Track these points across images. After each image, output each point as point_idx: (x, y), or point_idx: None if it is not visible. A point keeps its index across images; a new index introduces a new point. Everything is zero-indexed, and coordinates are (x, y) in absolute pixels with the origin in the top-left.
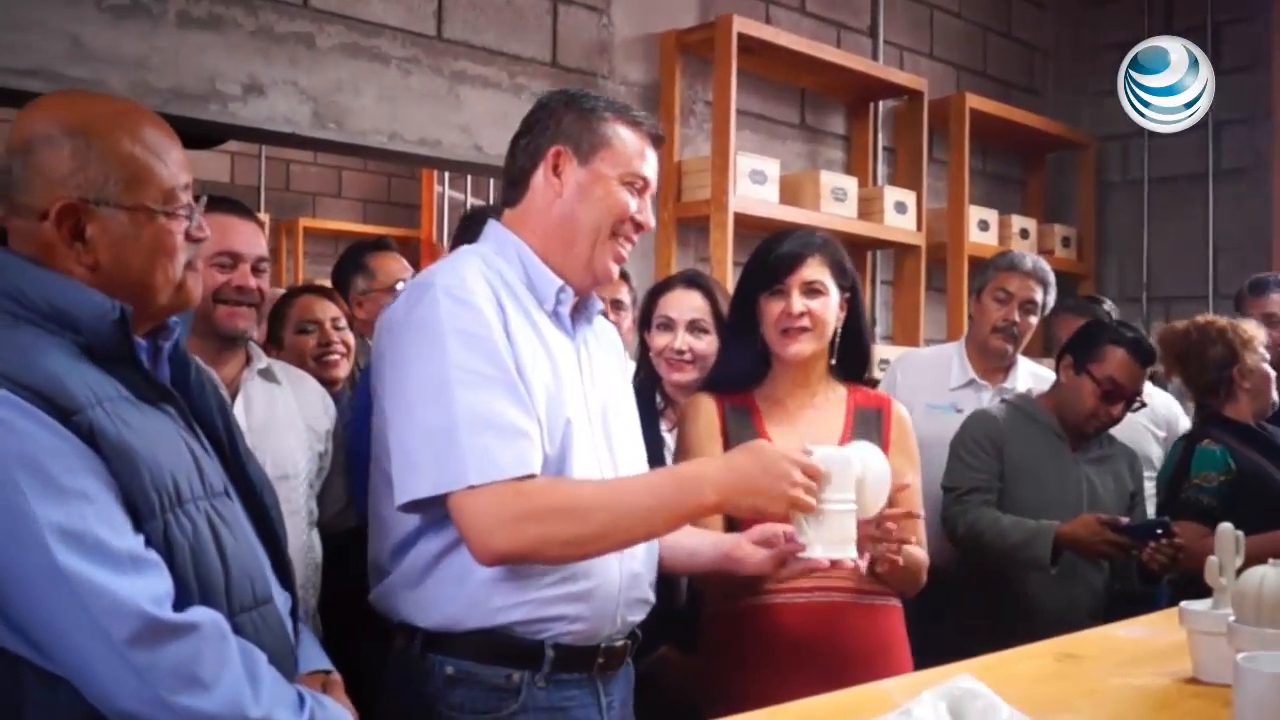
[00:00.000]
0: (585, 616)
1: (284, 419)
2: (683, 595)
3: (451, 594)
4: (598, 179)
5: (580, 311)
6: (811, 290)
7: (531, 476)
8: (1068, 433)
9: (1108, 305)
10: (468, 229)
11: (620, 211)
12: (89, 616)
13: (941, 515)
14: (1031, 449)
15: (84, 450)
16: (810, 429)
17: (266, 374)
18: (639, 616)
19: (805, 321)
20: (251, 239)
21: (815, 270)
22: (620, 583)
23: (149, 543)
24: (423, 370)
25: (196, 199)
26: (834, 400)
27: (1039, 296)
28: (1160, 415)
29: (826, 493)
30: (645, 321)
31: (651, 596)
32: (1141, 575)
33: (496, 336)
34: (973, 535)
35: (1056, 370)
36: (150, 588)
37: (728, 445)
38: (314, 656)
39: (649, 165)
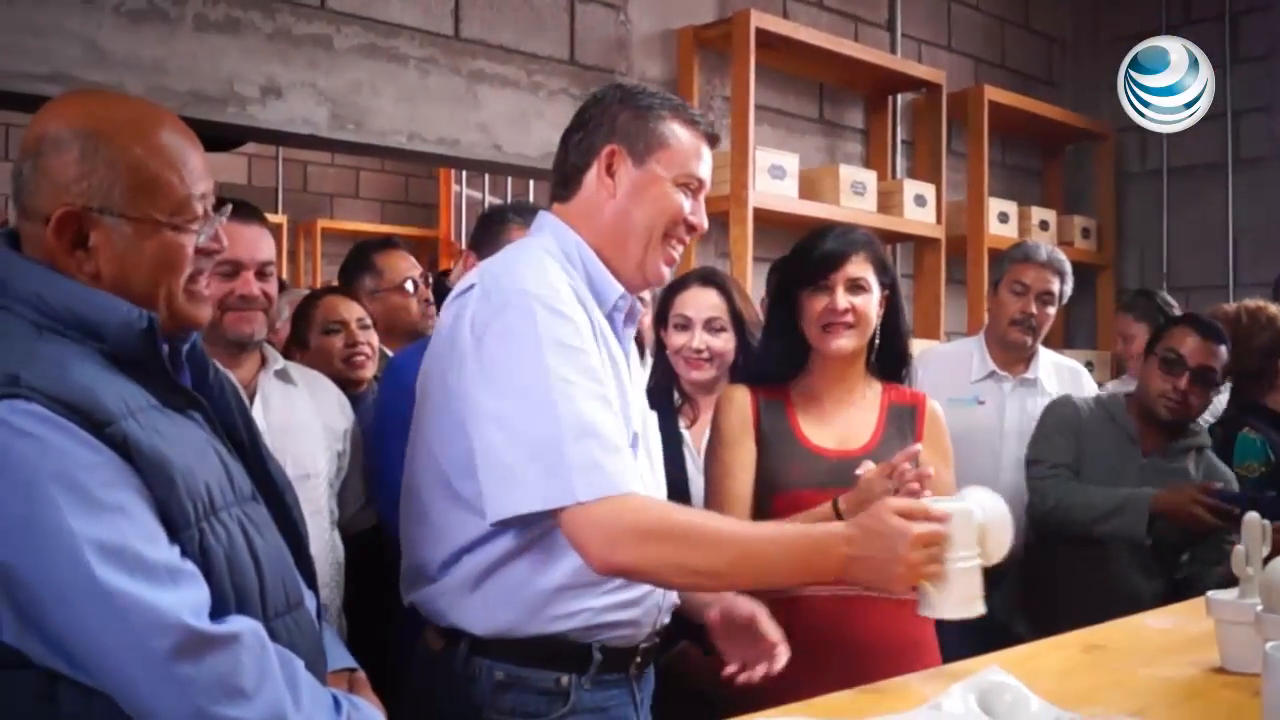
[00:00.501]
0: (634, 621)
1: (302, 419)
2: None
3: (512, 601)
4: (653, 180)
5: (629, 315)
6: (855, 287)
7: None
8: (1148, 431)
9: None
10: (486, 229)
11: (674, 213)
12: (130, 631)
13: (1028, 488)
14: (1100, 446)
15: (119, 463)
16: (845, 426)
17: (283, 375)
18: (668, 618)
19: (849, 318)
20: (254, 245)
21: (859, 267)
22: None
23: (184, 553)
24: (520, 382)
25: (219, 205)
26: (869, 397)
27: (1055, 287)
28: None
29: (950, 551)
30: (662, 319)
31: (677, 598)
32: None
33: (590, 349)
34: (1062, 508)
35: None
36: (189, 599)
37: (760, 439)
38: (339, 655)
39: (704, 165)
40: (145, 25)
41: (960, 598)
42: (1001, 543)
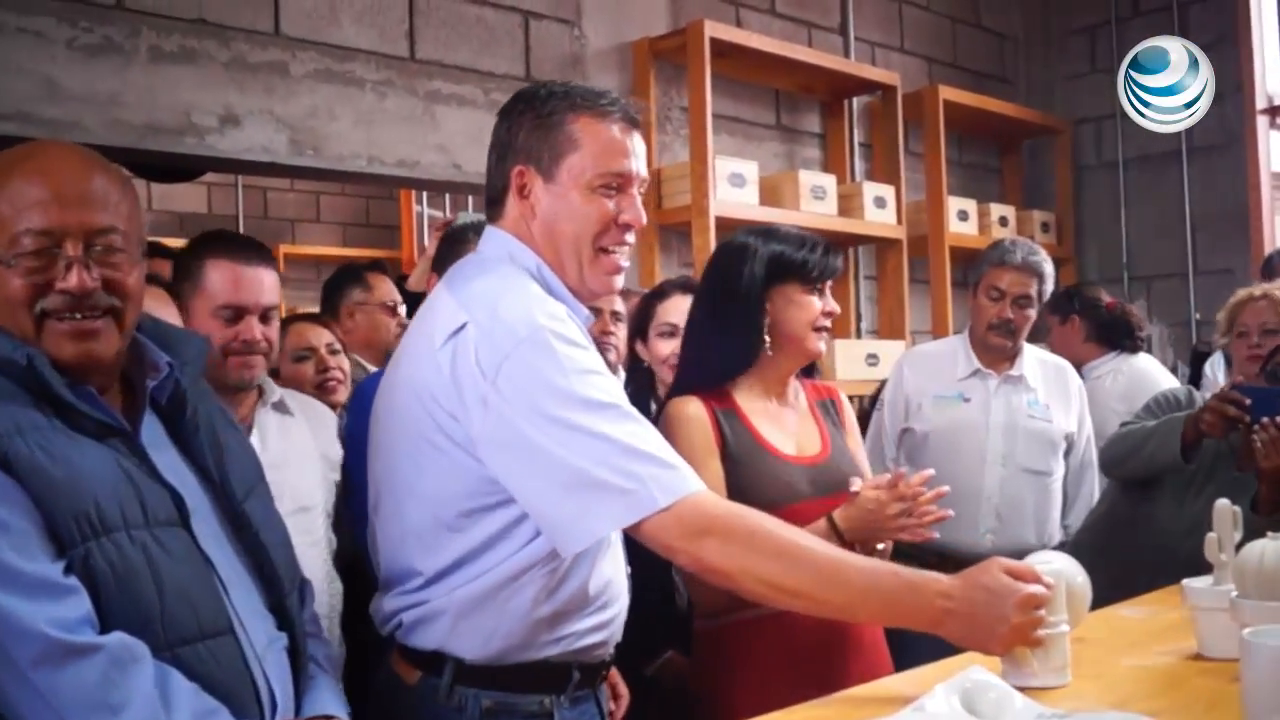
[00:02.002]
0: (604, 641)
1: (300, 451)
2: (683, 598)
3: (507, 629)
4: (564, 192)
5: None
6: (832, 293)
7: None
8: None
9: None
10: (450, 248)
11: (598, 221)
12: None
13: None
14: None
15: (2, 479)
16: (793, 430)
17: (280, 406)
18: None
19: (830, 321)
20: (258, 289)
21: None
22: (626, 603)
23: (69, 569)
24: (556, 415)
25: (90, 246)
26: (798, 397)
27: (1033, 290)
28: (1124, 389)
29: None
30: (641, 331)
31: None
32: (1239, 463)
33: (604, 369)
34: (1108, 450)
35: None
36: (58, 612)
37: (726, 454)
38: (324, 701)
39: (626, 158)
40: (100, 59)
41: (1050, 665)
42: (1083, 607)
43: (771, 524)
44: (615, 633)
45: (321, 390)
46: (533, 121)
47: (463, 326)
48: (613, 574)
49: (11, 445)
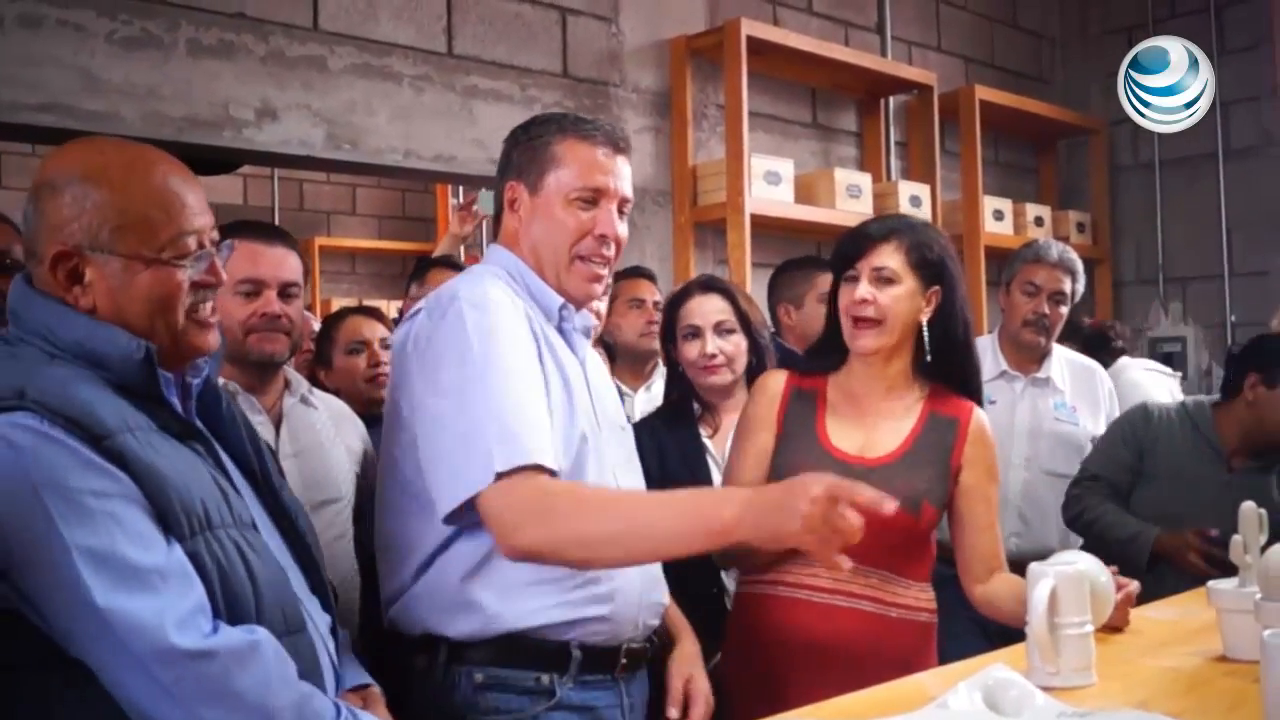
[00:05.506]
0: (608, 618)
1: (326, 444)
2: (731, 598)
3: (481, 601)
4: (546, 204)
5: (584, 328)
6: (881, 278)
7: (554, 474)
8: (1245, 450)
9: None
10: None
11: (574, 230)
12: (112, 635)
13: (1066, 492)
14: (1180, 458)
15: (115, 473)
16: (874, 431)
17: (305, 400)
18: (656, 621)
19: (870, 311)
20: (277, 264)
21: (886, 256)
22: (640, 585)
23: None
24: (452, 377)
25: (218, 242)
26: (909, 402)
27: (1067, 287)
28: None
29: (1063, 616)
30: (669, 335)
31: (666, 599)
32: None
33: (522, 335)
34: (1085, 522)
35: (1231, 385)
36: (180, 602)
37: (782, 431)
38: (354, 673)
39: (606, 174)
40: (139, 52)
41: (1074, 665)
42: (1106, 607)
43: (579, 487)
44: (622, 614)
45: (372, 384)
46: (525, 143)
47: (417, 312)
48: None
49: (125, 441)
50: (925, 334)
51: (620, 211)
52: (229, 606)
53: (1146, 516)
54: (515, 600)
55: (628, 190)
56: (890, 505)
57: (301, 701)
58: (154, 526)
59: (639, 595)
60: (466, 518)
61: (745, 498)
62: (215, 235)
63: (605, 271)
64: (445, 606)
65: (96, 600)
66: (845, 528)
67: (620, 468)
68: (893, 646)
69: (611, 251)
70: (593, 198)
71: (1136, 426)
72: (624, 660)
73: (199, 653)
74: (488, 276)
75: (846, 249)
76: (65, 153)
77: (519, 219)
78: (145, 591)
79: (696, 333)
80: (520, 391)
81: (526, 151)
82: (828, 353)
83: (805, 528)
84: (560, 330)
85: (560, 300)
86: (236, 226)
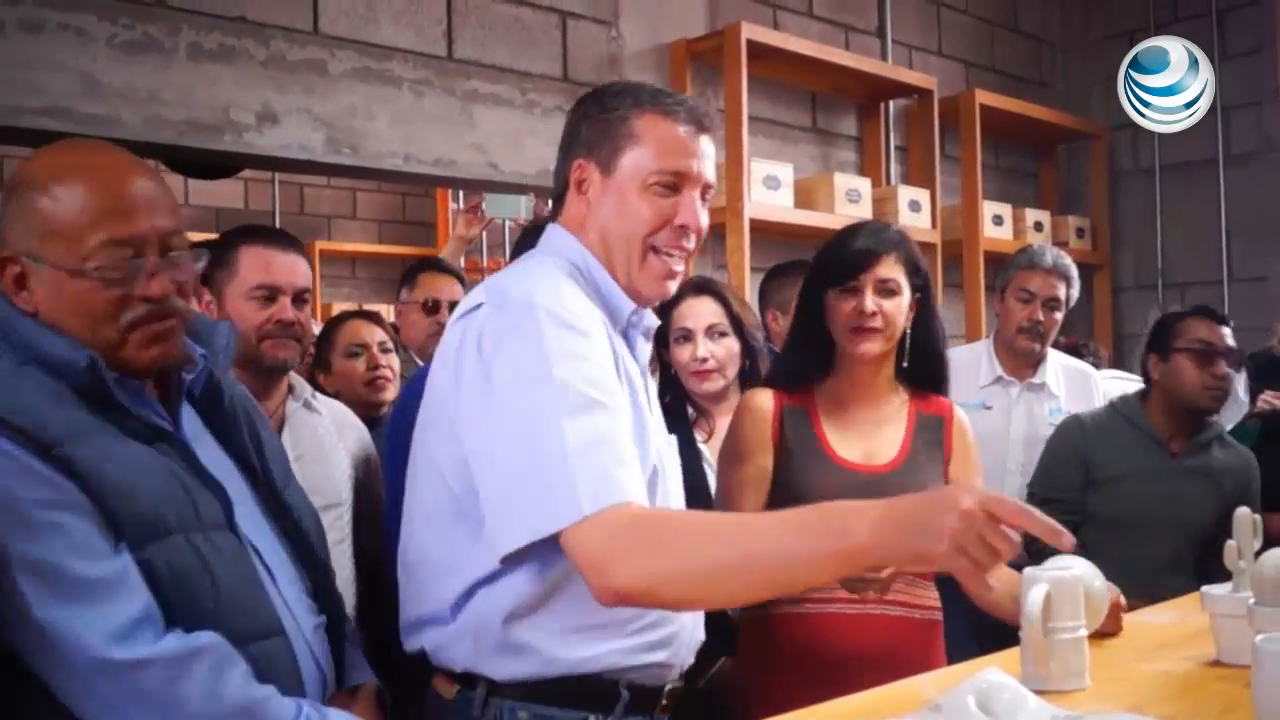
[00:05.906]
0: (662, 662)
1: (329, 448)
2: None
3: (532, 644)
4: (621, 188)
5: (646, 332)
6: (885, 289)
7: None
8: (1178, 430)
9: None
10: (524, 240)
11: (652, 219)
12: (55, 648)
13: None
14: (1123, 457)
15: (61, 483)
16: (872, 438)
17: (308, 405)
18: (693, 658)
19: (877, 321)
20: (291, 270)
21: (890, 268)
22: (692, 626)
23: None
24: (528, 400)
25: (165, 251)
26: (897, 406)
27: (1062, 293)
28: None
29: (1057, 620)
30: (661, 337)
31: (703, 634)
32: None
33: (605, 361)
34: (1037, 550)
35: (1145, 374)
36: (119, 613)
37: (782, 449)
38: (359, 672)
39: (687, 157)
40: (140, 56)
41: (1068, 669)
42: (1100, 611)
43: (675, 517)
44: (676, 653)
45: (371, 387)
46: (597, 116)
47: (477, 307)
48: None
49: (73, 449)
50: (908, 339)
51: (703, 197)
52: (184, 613)
53: (1105, 520)
54: (572, 647)
55: (711, 174)
56: (1069, 538)
57: (253, 705)
58: (101, 536)
59: (690, 634)
60: (529, 555)
61: (877, 514)
62: (182, 241)
63: (682, 268)
64: (492, 649)
65: (35, 612)
66: (1004, 546)
67: (672, 492)
68: (918, 646)
69: (692, 244)
70: (674, 182)
71: (1075, 440)
72: (664, 701)
73: (135, 663)
74: (559, 275)
75: (849, 263)
76: (35, 156)
77: (587, 202)
78: (83, 603)
79: (688, 335)
80: (605, 425)
81: (599, 125)
82: (806, 366)
83: (954, 548)
84: (625, 335)
85: (631, 306)
86: (248, 230)
